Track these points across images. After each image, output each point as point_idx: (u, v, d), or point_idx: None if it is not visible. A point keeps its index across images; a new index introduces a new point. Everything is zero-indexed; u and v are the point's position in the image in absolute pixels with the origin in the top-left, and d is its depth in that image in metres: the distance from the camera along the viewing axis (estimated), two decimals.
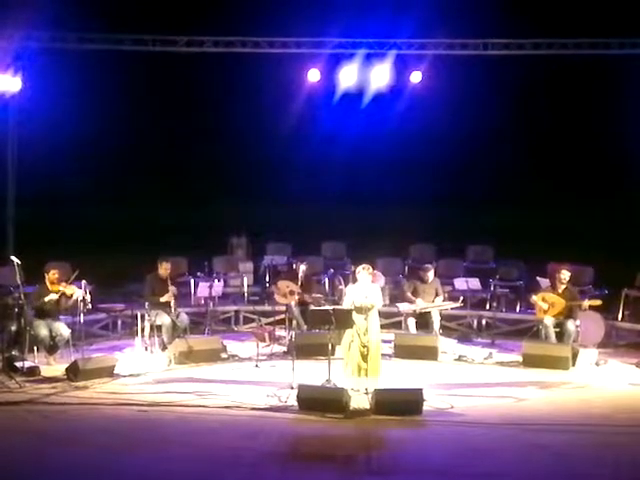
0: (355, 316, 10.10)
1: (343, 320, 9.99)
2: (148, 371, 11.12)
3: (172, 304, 12.18)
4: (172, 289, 12.23)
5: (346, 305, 10.27)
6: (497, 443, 8.58)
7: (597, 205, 17.42)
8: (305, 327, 12.55)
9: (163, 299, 12.13)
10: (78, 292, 11.38)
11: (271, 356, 12.02)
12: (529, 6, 14.98)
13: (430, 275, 12.93)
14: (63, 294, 11.49)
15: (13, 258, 11.37)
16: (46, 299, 11.32)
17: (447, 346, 12.38)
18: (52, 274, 11.51)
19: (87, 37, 14.66)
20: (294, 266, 13.47)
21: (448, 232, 16.43)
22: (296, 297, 12.75)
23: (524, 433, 8.86)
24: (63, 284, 11.55)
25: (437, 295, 12.88)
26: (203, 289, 13.18)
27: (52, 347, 11.41)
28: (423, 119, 16.44)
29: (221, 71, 15.95)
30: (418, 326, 12.74)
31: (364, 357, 10.08)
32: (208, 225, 17.11)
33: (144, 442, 8.54)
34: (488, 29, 14.72)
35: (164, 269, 12.35)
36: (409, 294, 12.86)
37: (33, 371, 10.77)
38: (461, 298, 13.38)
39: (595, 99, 16.42)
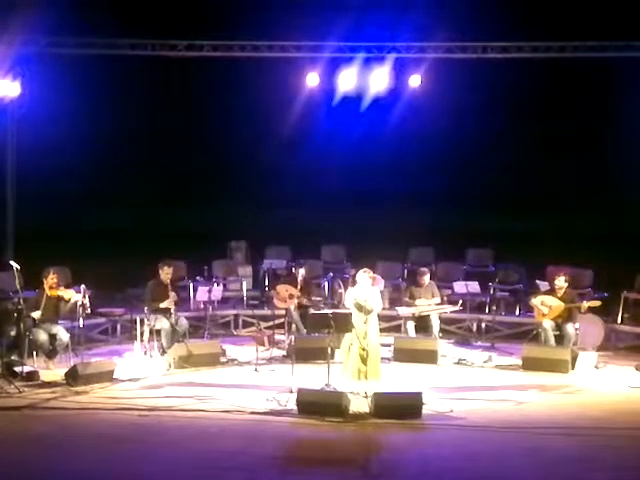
0: (354, 319, 10.09)
1: (342, 324, 9.99)
2: (147, 376, 11.11)
3: (172, 310, 12.18)
4: (172, 295, 12.22)
5: (348, 305, 10.26)
6: (497, 447, 8.58)
7: (596, 208, 17.42)
8: (304, 331, 12.55)
9: (163, 305, 12.12)
10: (76, 297, 11.36)
11: (270, 360, 12.01)
12: (528, 9, 14.98)
13: (426, 279, 12.95)
14: (61, 298, 11.47)
15: (12, 263, 11.37)
16: (33, 314, 11.27)
17: (446, 349, 12.38)
18: (50, 279, 11.49)
19: (86, 42, 14.66)
20: (293, 270, 13.47)
21: (447, 235, 16.43)
22: (295, 301, 12.76)
23: (524, 436, 8.86)
24: (62, 288, 11.54)
25: (433, 297, 12.89)
26: (202, 293, 13.17)
27: (51, 352, 11.40)
28: (422, 123, 16.44)
29: (220, 75, 15.95)
30: (417, 330, 12.75)
31: (364, 360, 10.08)
32: (207, 229, 17.10)
33: (144, 447, 8.52)
34: (487, 32, 14.72)
35: (165, 273, 12.32)
36: (407, 299, 12.88)
37: (32, 376, 10.76)
38: (460, 301, 13.40)
39: (594, 102, 16.43)
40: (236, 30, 14.98)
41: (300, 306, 12.82)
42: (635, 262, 13.82)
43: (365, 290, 10.28)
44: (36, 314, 11.27)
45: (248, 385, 10.70)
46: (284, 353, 12.22)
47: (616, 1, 14.33)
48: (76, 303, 11.35)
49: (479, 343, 13.35)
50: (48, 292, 11.45)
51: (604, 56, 14.50)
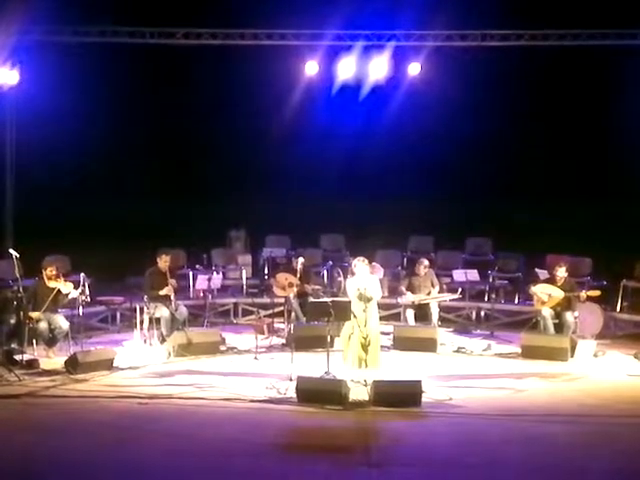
0: (354, 308, 10.10)
1: (342, 312, 10.00)
2: (147, 364, 11.13)
3: (172, 297, 12.19)
4: (172, 282, 12.24)
5: (350, 296, 10.26)
6: (496, 434, 8.59)
7: (595, 197, 17.41)
8: (304, 319, 12.57)
9: (162, 292, 12.13)
10: (74, 293, 11.37)
11: (270, 348, 12.03)
12: None
13: (423, 268, 12.94)
14: (59, 291, 11.45)
15: (12, 251, 11.38)
16: (32, 315, 11.27)
17: (446, 338, 12.40)
18: (49, 271, 11.46)
19: (84, 30, 14.62)
20: (293, 259, 13.48)
21: (447, 224, 16.44)
22: (295, 289, 12.77)
23: (523, 424, 8.87)
24: (61, 280, 11.51)
25: (433, 286, 12.91)
26: (202, 282, 13.18)
27: (51, 340, 11.41)
28: (422, 111, 16.41)
29: (219, 63, 15.91)
30: (417, 318, 12.76)
31: (364, 348, 10.09)
32: (207, 218, 17.10)
33: (143, 435, 8.54)
34: (487, 20, 14.69)
35: (163, 262, 12.33)
36: (402, 288, 12.89)
37: (32, 364, 10.78)
38: (460, 290, 13.41)
39: (594, 91, 16.40)
40: (235, 18, 14.95)
41: (299, 294, 12.83)
42: (634, 251, 13.82)
43: (364, 278, 10.28)
44: (35, 314, 11.26)
45: (248, 373, 10.72)
46: (283, 341, 12.23)
47: None
48: (75, 297, 11.37)
49: (478, 331, 13.36)
50: (47, 283, 11.45)
51: (604, 44, 14.46)
